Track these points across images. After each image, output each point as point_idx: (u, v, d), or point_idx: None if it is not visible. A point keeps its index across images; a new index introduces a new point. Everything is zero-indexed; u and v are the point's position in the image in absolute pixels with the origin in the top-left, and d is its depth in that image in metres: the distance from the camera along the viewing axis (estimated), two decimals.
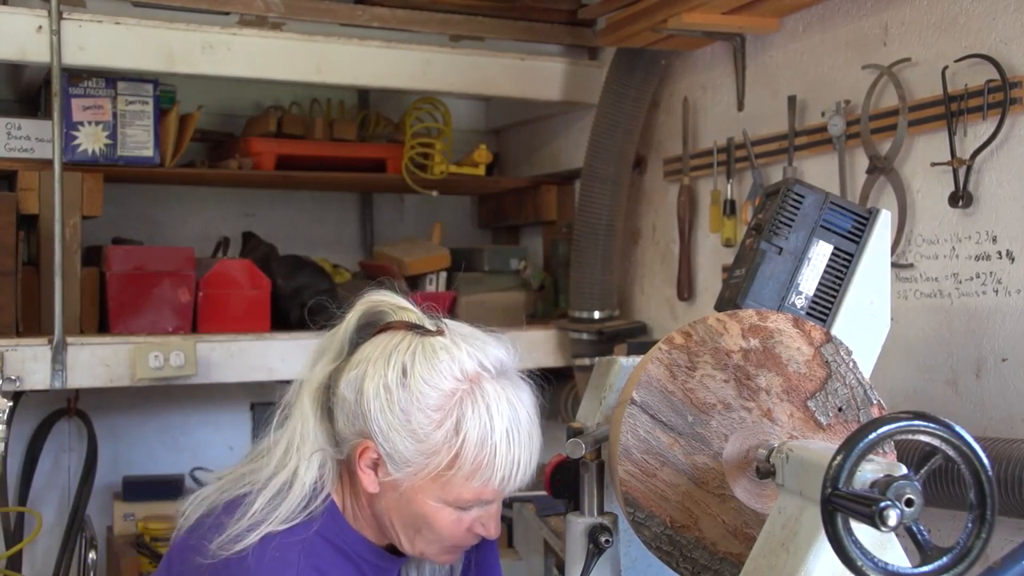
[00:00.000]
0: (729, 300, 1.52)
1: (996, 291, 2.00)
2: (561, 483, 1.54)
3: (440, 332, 1.43)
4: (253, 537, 1.39)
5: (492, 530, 1.45)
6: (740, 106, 2.70)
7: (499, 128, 3.90)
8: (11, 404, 2.50)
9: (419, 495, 1.40)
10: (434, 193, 3.30)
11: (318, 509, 1.44)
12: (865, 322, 1.50)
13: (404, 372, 1.39)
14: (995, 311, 2.00)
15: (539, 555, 2.65)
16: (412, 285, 3.20)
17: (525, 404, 1.42)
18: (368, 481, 1.43)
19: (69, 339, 2.56)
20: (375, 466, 1.42)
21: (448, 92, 3.14)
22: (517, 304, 3.32)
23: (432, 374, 1.38)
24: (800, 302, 1.49)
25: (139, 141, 2.82)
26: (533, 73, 3.15)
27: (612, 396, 1.57)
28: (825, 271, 1.51)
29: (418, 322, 1.46)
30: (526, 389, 1.45)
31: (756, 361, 1.25)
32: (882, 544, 1.02)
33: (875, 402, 1.26)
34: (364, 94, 3.61)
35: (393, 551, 1.52)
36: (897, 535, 1.04)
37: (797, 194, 1.52)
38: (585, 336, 3.02)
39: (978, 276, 2.04)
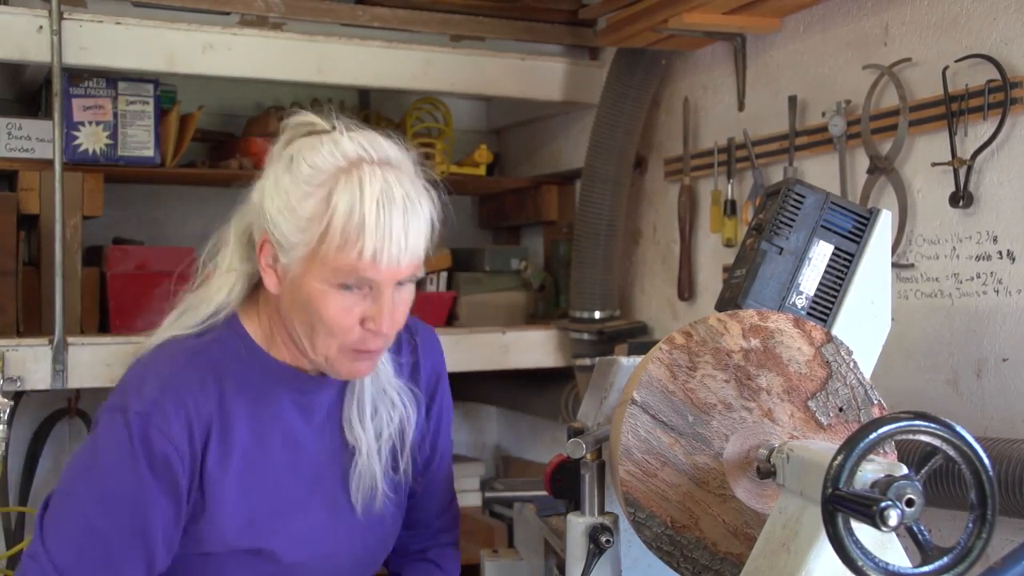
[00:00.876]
0: (730, 300, 1.52)
1: (997, 291, 2.00)
2: (562, 483, 1.54)
3: (332, 128, 1.51)
4: (156, 342, 1.54)
5: (383, 325, 1.45)
6: (741, 106, 2.70)
7: (500, 128, 3.90)
8: (12, 404, 2.50)
9: (305, 279, 1.44)
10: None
11: (219, 322, 1.54)
12: (866, 322, 1.51)
13: (291, 160, 1.47)
14: (996, 311, 2.00)
15: (539, 555, 2.65)
16: None
17: (405, 187, 1.45)
18: (270, 281, 1.50)
19: (70, 339, 2.56)
20: (274, 261, 1.48)
21: (449, 92, 3.13)
22: (518, 304, 3.32)
23: (313, 155, 1.45)
24: (801, 302, 1.49)
25: (140, 141, 2.82)
26: (534, 73, 3.15)
27: (613, 396, 1.57)
28: (826, 271, 1.51)
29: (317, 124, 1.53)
30: (418, 185, 1.49)
31: (757, 361, 1.25)
32: (883, 544, 1.02)
33: (876, 402, 1.26)
34: (365, 94, 3.61)
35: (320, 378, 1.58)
36: (898, 535, 1.04)
37: (798, 194, 1.52)
38: (586, 336, 3.02)
39: (979, 276, 2.04)
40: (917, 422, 0.99)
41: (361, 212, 1.41)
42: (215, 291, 1.56)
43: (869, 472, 0.99)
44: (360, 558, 1.64)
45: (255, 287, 1.58)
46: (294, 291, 1.47)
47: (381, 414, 1.61)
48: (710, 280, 2.83)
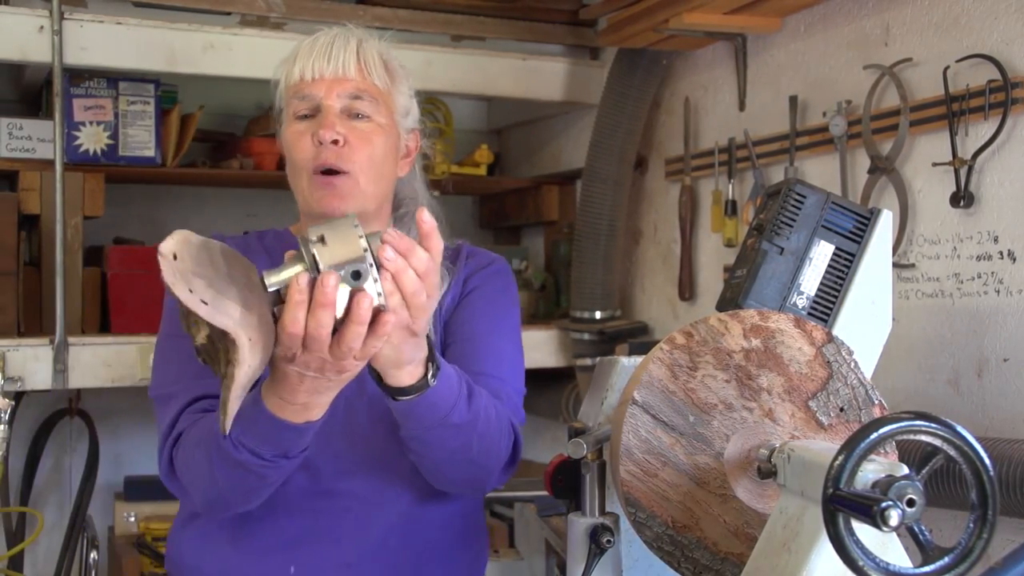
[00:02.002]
0: (731, 300, 1.52)
1: (998, 291, 2.00)
2: (562, 483, 1.54)
3: None
4: None
5: (324, 134, 1.57)
6: (741, 106, 2.70)
7: (500, 128, 3.90)
8: (13, 404, 2.50)
9: (282, 130, 1.66)
10: (436, 193, 3.30)
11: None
12: (867, 322, 1.50)
13: None
14: (996, 311, 2.00)
15: (540, 555, 2.65)
16: None
17: (345, 32, 1.64)
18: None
19: (71, 339, 2.56)
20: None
21: (450, 92, 3.14)
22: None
23: None
24: (802, 302, 1.49)
25: (141, 141, 2.82)
26: (535, 73, 3.15)
27: (613, 396, 1.57)
28: (827, 271, 1.50)
29: None
30: (368, 32, 1.69)
31: (757, 361, 1.25)
32: (884, 544, 1.02)
33: (876, 402, 1.26)
34: None
35: None
36: (899, 535, 1.03)
37: (798, 194, 1.52)
38: (586, 336, 3.02)
39: (979, 276, 2.04)
40: (918, 422, 0.99)
41: (298, 47, 1.63)
42: None
43: (870, 472, 0.99)
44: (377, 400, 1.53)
45: None
46: (284, 150, 1.67)
47: None
48: (711, 280, 2.82)
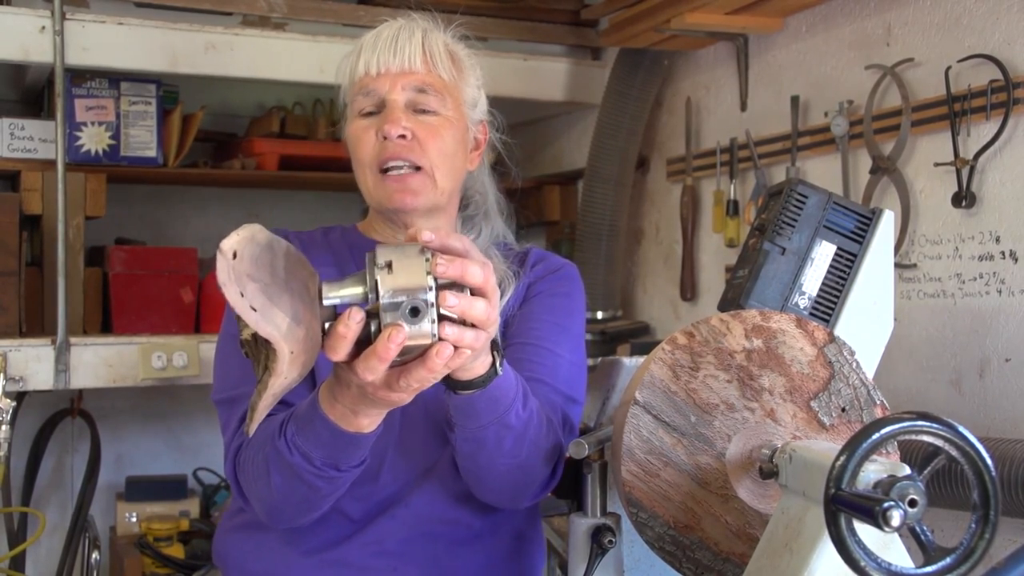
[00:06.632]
0: (732, 300, 1.52)
1: (999, 291, 2.00)
2: (564, 483, 1.54)
3: None
4: None
5: (389, 129, 1.53)
6: (743, 106, 2.70)
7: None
8: (14, 404, 2.50)
9: (347, 126, 1.61)
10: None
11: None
12: (868, 322, 1.50)
13: None
14: (998, 311, 2.00)
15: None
16: None
17: (408, 24, 1.58)
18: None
19: (72, 339, 2.56)
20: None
21: None
22: None
23: None
24: (803, 302, 1.49)
25: (142, 141, 2.82)
26: (536, 73, 3.15)
27: (615, 396, 1.57)
28: (828, 271, 1.50)
29: None
30: (430, 24, 1.63)
31: (759, 361, 1.25)
32: (885, 544, 1.02)
33: (878, 402, 1.26)
34: None
35: None
36: (900, 535, 1.03)
37: (800, 194, 1.52)
38: (588, 336, 3.02)
39: (981, 276, 2.04)
40: (920, 422, 0.99)
41: (362, 42, 1.58)
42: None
43: (872, 472, 0.99)
44: (433, 412, 1.54)
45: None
46: (348, 148, 1.61)
47: None
48: (712, 280, 2.82)
